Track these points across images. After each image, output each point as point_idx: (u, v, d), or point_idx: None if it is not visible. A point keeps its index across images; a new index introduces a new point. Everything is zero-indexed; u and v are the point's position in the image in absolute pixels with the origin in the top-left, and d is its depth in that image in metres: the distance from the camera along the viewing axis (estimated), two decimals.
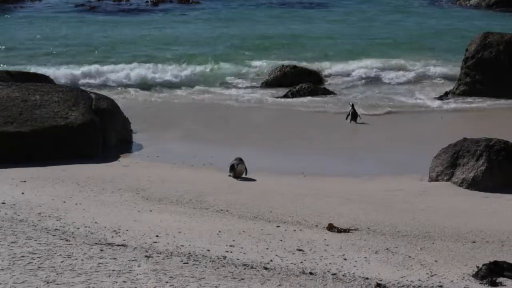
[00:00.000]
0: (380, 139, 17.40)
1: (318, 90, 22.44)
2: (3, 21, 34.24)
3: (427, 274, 7.87)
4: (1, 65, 24.21)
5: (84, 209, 10.09)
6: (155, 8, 39.31)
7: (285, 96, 22.07)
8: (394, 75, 24.34)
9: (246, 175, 13.29)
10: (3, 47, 27.82)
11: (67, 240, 7.89)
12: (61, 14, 36.70)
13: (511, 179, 12.70)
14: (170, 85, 23.56)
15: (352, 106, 19.13)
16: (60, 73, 23.59)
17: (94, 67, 24.40)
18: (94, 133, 14.76)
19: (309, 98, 21.63)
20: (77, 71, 24.13)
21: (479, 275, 7.78)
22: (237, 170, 13.28)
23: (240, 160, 13.31)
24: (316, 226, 9.93)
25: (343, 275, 7.61)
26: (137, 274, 6.71)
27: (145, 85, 23.37)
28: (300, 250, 8.57)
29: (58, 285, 6.24)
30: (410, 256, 8.58)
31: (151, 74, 24.20)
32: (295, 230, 9.59)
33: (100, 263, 6.95)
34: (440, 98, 21.87)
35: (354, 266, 8.01)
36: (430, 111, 20.41)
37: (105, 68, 24.43)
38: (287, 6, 40.56)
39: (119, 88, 22.81)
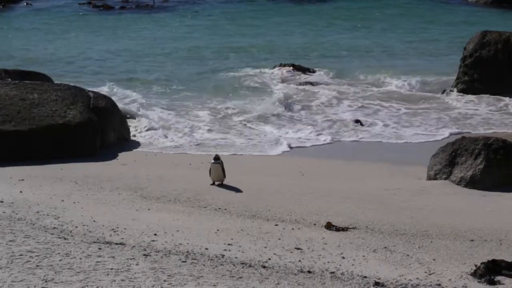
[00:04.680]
0: (377, 138, 17.37)
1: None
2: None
3: (425, 272, 7.88)
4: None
5: (82, 207, 10.09)
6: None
7: None
8: (390, 74, 24.26)
9: (224, 175, 11.86)
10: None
11: (65, 239, 7.89)
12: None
13: (509, 177, 12.69)
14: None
15: None
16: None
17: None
18: (92, 131, 14.73)
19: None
20: None
21: (477, 274, 7.79)
22: (211, 173, 11.88)
23: (216, 160, 11.88)
24: (314, 224, 9.93)
25: (341, 274, 7.62)
26: (135, 273, 6.71)
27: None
28: (298, 248, 8.57)
29: (56, 283, 6.24)
30: (408, 255, 8.58)
31: None
32: (293, 229, 9.59)
33: (98, 261, 6.95)
34: (438, 96, 21.84)
35: (352, 265, 8.02)
36: (427, 109, 20.37)
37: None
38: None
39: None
